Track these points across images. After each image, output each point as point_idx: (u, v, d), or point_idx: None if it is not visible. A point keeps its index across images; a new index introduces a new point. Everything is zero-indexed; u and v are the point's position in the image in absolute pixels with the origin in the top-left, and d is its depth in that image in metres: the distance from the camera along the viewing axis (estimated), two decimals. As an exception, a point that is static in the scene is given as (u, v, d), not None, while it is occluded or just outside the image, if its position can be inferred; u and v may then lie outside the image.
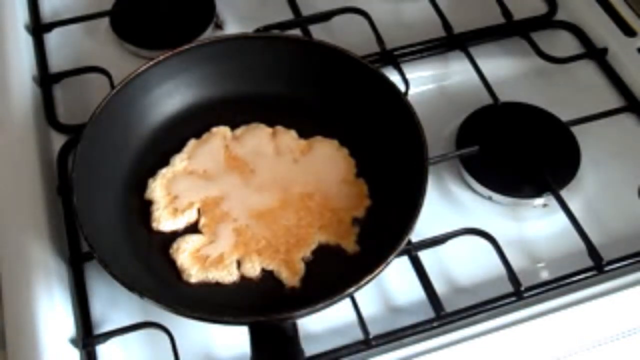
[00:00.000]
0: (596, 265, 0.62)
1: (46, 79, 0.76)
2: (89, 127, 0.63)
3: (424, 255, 0.62)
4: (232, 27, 0.82)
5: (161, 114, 0.70)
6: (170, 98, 0.70)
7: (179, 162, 0.67)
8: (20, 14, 0.81)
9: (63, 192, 0.67)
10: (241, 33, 0.76)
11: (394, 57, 0.76)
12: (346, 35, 0.78)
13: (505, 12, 0.81)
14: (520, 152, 0.70)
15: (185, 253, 0.61)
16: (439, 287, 0.61)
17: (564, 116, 0.72)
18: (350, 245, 0.62)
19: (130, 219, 0.64)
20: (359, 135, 0.69)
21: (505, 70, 0.78)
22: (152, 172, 0.66)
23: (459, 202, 0.68)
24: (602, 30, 0.80)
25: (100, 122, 0.64)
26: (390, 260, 0.56)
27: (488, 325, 0.58)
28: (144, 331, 0.59)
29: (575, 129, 0.71)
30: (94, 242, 0.58)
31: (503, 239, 0.63)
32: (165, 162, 0.67)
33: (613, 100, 0.76)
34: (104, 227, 0.61)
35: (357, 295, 0.59)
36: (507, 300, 0.60)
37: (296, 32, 0.79)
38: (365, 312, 0.59)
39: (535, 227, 0.66)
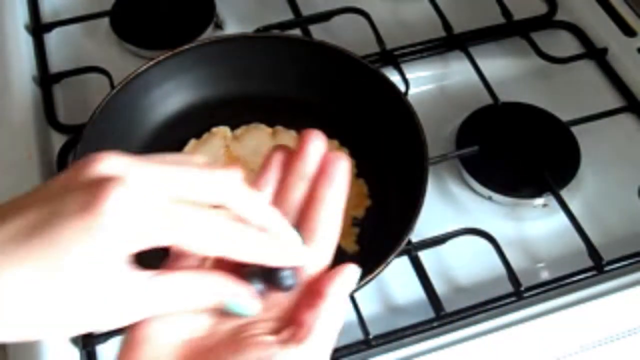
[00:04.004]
0: (596, 265, 0.62)
1: (46, 79, 0.76)
2: (89, 127, 0.63)
3: (424, 255, 0.62)
4: (232, 27, 0.82)
5: (161, 114, 0.70)
6: (170, 98, 0.70)
7: (179, 162, 0.67)
8: (20, 14, 0.81)
9: (63, 192, 0.67)
10: (241, 33, 0.76)
11: (394, 57, 0.76)
12: (346, 35, 0.78)
13: (505, 12, 0.81)
14: (520, 152, 0.70)
15: (185, 253, 0.61)
16: (439, 287, 0.61)
17: (564, 116, 0.72)
18: (350, 245, 0.62)
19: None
20: (359, 135, 0.69)
21: (505, 70, 0.78)
22: (152, 172, 0.66)
23: (459, 202, 0.68)
24: (602, 30, 0.80)
25: (100, 122, 0.64)
26: (390, 261, 0.56)
27: (488, 325, 0.58)
28: (144, 331, 0.58)
29: (575, 129, 0.71)
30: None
31: (503, 239, 0.63)
32: (165, 162, 0.67)
33: (613, 100, 0.76)
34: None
35: (357, 295, 0.59)
36: (507, 300, 0.60)
37: (296, 32, 0.79)
38: (365, 312, 0.59)
39: (535, 227, 0.66)
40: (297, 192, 0.40)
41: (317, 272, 0.38)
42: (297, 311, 0.37)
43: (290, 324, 0.36)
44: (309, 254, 0.38)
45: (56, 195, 0.34)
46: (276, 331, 0.36)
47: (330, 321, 0.36)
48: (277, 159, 0.41)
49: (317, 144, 0.41)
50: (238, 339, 0.35)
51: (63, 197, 0.34)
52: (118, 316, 0.35)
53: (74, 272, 0.33)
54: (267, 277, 0.37)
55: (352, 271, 0.38)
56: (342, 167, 0.40)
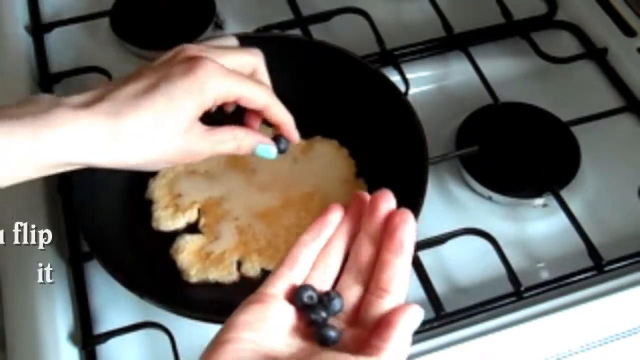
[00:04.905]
0: (596, 265, 0.62)
1: (46, 79, 0.76)
2: (89, 127, 0.63)
3: (424, 255, 0.62)
4: (232, 27, 0.82)
5: (161, 114, 0.70)
6: (170, 98, 0.70)
7: (179, 162, 0.67)
8: (20, 14, 0.81)
9: (63, 192, 0.67)
10: (241, 33, 0.76)
11: (394, 57, 0.76)
12: (346, 35, 0.78)
13: (505, 12, 0.81)
14: (520, 152, 0.70)
15: (185, 253, 0.61)
16: (439, 287, 0.61)
17: (564, 116, 0.72)
18: (350, 245, 0.62)
19: (131, 219, 0.64)
20: (359, 135, 0.69)
21: (505, 70, 0.78)
22: (153, 172, 0.66)
23: (459, 202, 0.68)
24: (602, 30, 0.80)
25: (100, 122, 0.64)
26: (390, 260, 0.55)
27: (488, 325, 0.58)
28: (144, 331, 0.59)
29: (575, 129, 0.71)
30: (94, 242, 0.58)
31: (503, 239, 0.63)
32: (165, 162, 0.67)
33: (613, 100, 0.76)
34: (104, 227, 0.61)
35: (357, 295, 0.59)
36: (507, 300, 0.60)
37: (296, 32, 0.79)
38: (365, 312, 0.59)
39: (535, 227, 0.66)
40: (367, 249, 0.43)
41: (387, 311, 0.41)
42: (368, 340, 0.40)
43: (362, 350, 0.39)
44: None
45: (161, 68, 0.51)
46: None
47: (398, 346, 0.39)
48: (354, 210, 0.45)
49: (387, 206, 0.44)
50: (318, 357, 0.39)
51: (169, 68, 0.51)
52: (189, 150, 0.51)
53: (180, 118, 0.50)
54: (313, 333, 0.41)
55: (418, 309, 0.41)
56: (410, 228, 0.43)
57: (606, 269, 0.62)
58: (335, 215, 0.44)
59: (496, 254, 0.62)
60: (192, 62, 0.50)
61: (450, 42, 0.78)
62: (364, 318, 0.41)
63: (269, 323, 0.40)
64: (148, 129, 0.49)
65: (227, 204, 0.65)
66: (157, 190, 0.65)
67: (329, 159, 0.68)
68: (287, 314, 0.41)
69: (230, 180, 0.66)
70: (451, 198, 0.68)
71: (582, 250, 0.63)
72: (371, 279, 0.42)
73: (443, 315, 0.59)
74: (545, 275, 0.63)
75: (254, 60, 0.57)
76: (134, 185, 0.66)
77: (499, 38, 0.80)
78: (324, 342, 0.40)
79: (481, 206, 0.67)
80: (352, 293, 0.43)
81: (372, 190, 0.64)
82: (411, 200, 0.59)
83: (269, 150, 0.55)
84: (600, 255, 0.62)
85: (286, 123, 0.57)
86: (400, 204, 0.60)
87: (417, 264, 0.62)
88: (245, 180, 0.66)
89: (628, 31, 0.79)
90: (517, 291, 0.60)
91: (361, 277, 0.43)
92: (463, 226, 0.63)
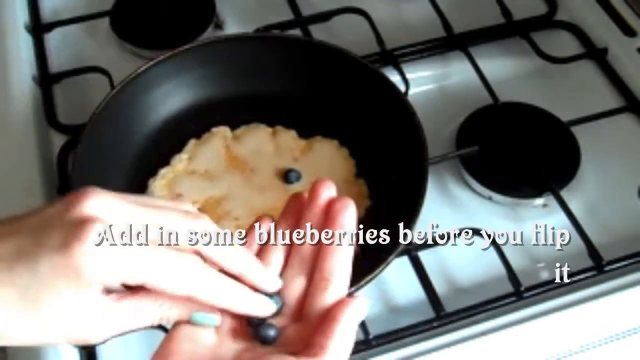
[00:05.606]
0: (596, 265, 0.62)
1: (46, 79, 0.76)
2: (89, 127, 0.63)
3: (424, 255, 0.62)
4: (232, 27, 0.82)
5: (161, 114, 0.70)
6: (170, 98, 0.70)
7: (180, 162, 0.67)
8: (20, 14, 0.81)
9: (63, 192, 0.67)
10: (241, 33, 0.76)
11: (394, 57, 0.76)
12: (346, 35, 0.79)
13: (505, 12, 0.81)
14: (520, 152, 0.70)
15: (185, 253, 0.61)
16: (439, 287, 0.61)
17: (564, 116, 0.72)
18: (350, 245, 0.62)
19: (130, 219, 0.64)
20: (359, 135, 0.69)
21: (505, 70, 0.78)
22: (153, 172, 0.66)
23: (459, 202, 0.68)
24: (602, 30, 0.80)
25: (100, 122, 0.64)
26: (390, 261, 0.56)
27: (488, 325, 0.58)
28: (144, 331, 0.58)
29: (575, 129, 0.71)
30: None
31: (503, 239, 0.63)
32: (165, 162, 0.67)
33: (613, 100, 0.76)
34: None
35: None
36: (507, 300, 0.60)
37: (296, 32, 0.79)
38: (365, 312, 0.59)
39: (535, 227, 0.66)
40: (310, 240, 0.43)
41: (331, 305, 0.41)
42: (312, 337, 0.39)
43: (306, 349, 0.39)
44: (273, 306, 0.41)
45: (42, 227, 0.38)
46: (294, 355, 0.39)
47: (342, 342, 0.39)
48: (292, 208, 0.45)
49: (327, 193, 0.44)
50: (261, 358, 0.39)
51: (49, 230, 0.37)
52: (86, 334, 0.39)
53: (50, 302, 0.37)
54: (252, 330, 0.41)
55: (362, 301, 0.41)
56: (350, 214, 0.43)
57: (606, 269, 0.62)
58: (265, 224, 0.44)
59: (496, 254, 0.62)
60: (76, 229, 0.36)
61: (450, 42, 0.78)
62: (308, 312, 0.41)
63: (208, 330, 0.40)
64: (12, 307, 0.36)
65: (227, 204, 0.65)
66: (157, 191, 0.65)
67: (329, 159, 0.68)
68: (226, 320, 0.41)
69: (230, 180, 0.66)
70: (451, 198, 0.68)
71: (582, 250, 0.63)
72: (314, 268, 0.42)
73: (443, 315, 0.59)
74: (545, 275, 0.63)
75: (193, 236, 0.40)
76: (134, 185, 0.66)
77: (499, 38, 0.80)
78: (264, 342, 0.40)
79: (481, 206, 0.67)
80: (296, 285, 0.42)
81: (372, 190, 0.65)
82: (411, 200, 0.59)
83: (211, 318, 0.41)
84: (600, 255, 0.62)
85: (248, 274, 0.41)
86: (401, 204, 0.60)
87: (417, 264, 0.62)
88: (245, 180, 0.66)
89: (628, 31, 0.79)
90: (517, 291, 0.60)
91: (305, 267, 0.42)
92: (463, 226, 0.63)
